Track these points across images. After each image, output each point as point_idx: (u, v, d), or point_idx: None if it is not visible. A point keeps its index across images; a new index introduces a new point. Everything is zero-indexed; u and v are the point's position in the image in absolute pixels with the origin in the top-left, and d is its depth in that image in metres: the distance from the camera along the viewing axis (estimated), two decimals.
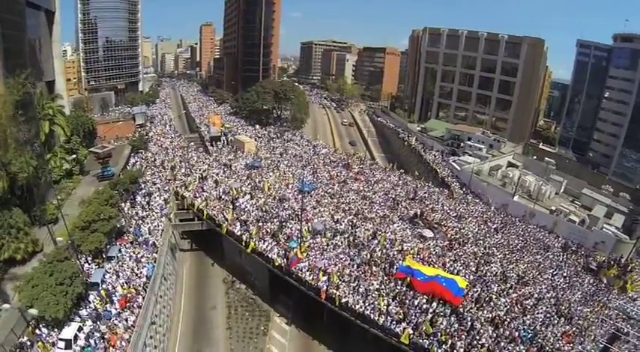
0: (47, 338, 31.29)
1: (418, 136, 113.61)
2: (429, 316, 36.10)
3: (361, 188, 68.20)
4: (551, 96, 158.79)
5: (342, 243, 47.68)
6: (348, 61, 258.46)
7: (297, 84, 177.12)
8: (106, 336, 32.44)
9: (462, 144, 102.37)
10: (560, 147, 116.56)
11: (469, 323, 35.71)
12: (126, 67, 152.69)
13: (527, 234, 59.15)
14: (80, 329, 32.43)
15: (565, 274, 48.51)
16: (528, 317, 37.86)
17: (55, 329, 32.06)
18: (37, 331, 31.44)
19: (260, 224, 50.30)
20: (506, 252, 51.84)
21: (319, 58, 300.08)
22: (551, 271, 48.76)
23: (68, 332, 31.53)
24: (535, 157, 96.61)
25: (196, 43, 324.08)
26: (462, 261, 47.05)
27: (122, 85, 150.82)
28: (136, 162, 74.55)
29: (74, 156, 63.91)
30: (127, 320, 34.73)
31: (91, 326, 33.16)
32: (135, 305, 36.67)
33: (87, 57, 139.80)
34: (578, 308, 41.31)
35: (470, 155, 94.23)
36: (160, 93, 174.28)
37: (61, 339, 30.93)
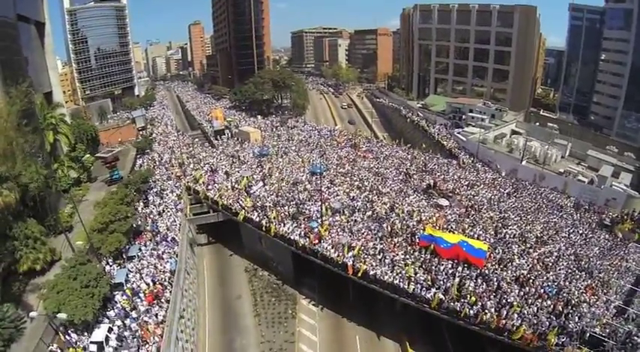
0: (78, 343, 30.97)
1: (420, 112, 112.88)
2: (457, 280, 35.97)
3: (372, 165, 67.98)
4: (547, 64, 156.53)
5: (361, 218, 47.40)
6: (340, 46, 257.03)
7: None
8: (137, 334, 32.29)
9: (463, 117, 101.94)
10: (560, 112, 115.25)
11: (495, 284, 35.82)
12: (120, 73, 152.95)
13: (539, 196, 59.37)
14: (110, 330, 32.27)
15: (581, 232, 48.75)
16: (551, 273, 38.06)
17: (85, 333, 31.82)
18: (67, 337, 31.07)
19: (278, 208, 49.92)
20: (522, 214, 51.92)
21: (311, 46, 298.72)
22: (567, 230, 48.96)
23: (99, 334, 31.27)
24: (537, 124, 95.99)
25: (186, 44, 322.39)
26: (480, 226, 46.98)
27: (118, 90, 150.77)
28: (143, 163, 74.32)
29: (81, 163, 63.58)
30: (156, 315, 34.59)
31: (121, 326, 33.03)
32: (163, 300, 36.54)
33: (80, 67, 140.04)
34: (597, 262, 41.53)
35: (473, 126, 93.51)
36: (156, 95, 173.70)
37: (92, 342, 30.64)
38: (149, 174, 61.16)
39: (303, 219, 47.50)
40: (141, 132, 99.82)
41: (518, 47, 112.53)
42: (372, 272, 37.55)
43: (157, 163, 74.08)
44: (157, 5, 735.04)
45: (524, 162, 71.98)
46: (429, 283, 36.06)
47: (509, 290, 34.97)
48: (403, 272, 37.20)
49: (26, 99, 46.84)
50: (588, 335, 30.09)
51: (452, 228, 45.81)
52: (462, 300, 33.86)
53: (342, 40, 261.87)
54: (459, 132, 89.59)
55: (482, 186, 60.87)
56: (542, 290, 35.10)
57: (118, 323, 33.33)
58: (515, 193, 59.44)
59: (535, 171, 67.36)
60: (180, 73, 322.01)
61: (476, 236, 43.63)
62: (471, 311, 32.75)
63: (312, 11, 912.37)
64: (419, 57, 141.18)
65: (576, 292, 35.22)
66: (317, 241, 42.82)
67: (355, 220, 46.95)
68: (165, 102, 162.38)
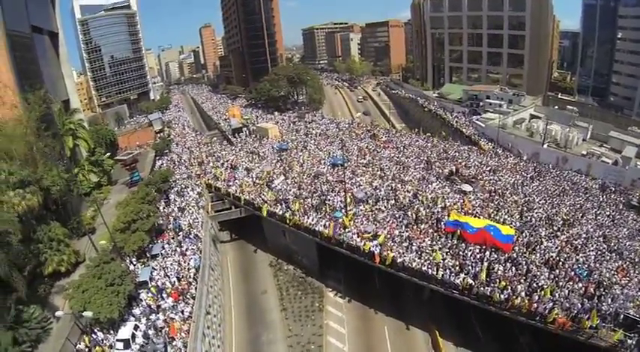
0: (104, 342, 31.01)
1: (437, 102, 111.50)
2: (485, 264, 35.03)
3: (392, 155, 67.08)
4: (562, 47, 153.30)
5: (385, 207, 46.64)
6: (352, 40, 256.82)
7: None
8: (164, 330, 32.09)
9: (481, 104, 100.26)
10: (579, 95, 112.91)
11: (525, 268, 34.84)
12: (134, 79, 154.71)
13: (563, 179, 58.27)
14: (136, 327, 32.13)
15: (608, 213, 47.63)
16: (581, 255, 36.93)
17: (111, 331, 31.81)
18: (93, 336, 31.11)
19: (301, 201, 49.39)
20: (546, 198, 50.74)
21: (323, 42, 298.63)
22: (594, 211, 47.86)
23: (125, 332, 31.19)
24: (556, 107, 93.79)
25: (198, 47, 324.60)
26: (505, 210, 45.87)
27: (134, 95, 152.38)
28: (163, 164, 74.66)
29: (101, 167, 64.07)
30: (182, 312, 34.34)
31: (147, 323, 32.85)
32: (188, 296, 36.29)
33: (95, 75, 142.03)
34: (627, 243, 40.45)
35: (491, 112, 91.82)
36: (172, 99, 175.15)
37: (118, 340, 30.57)
38: (169, 173, 61.33)
39: (327, 210, 46.93)
40: (158, 135, 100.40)
41: (532, 30, 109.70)
42: (399, 260, 36.82)
43: (177, 163, 74.24)
44: (167, 11, 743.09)
45: (545, 146, 70.55)
46: (458, 269, 35.21)
47: (539, 273, 34.00)
48: (431, 258, 36.38)
49: (44, 106, 47.50)
50: (622, 316, 29.13)
51: (477, 213, 44.79)
52: (492, 285, 32.94)
53: (354, 34, 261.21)
54: (477, 119, 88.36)
55: (504, 171, 59.75)
56: (572, 273, 34.01)
57: (144, 320, 33.16)
58: (538, 177, 58.21)
59: (557, 154, 66.16)
60: (194, 76, 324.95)
61: (501, 220, 42.62)
62: (502, 296, 31.82)
63: (322, 8, 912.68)
64: (432, 46, 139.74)
65: (607, 274, 34.18)
66: (339, 231, 42.11)
67: (379, 209, 46.20)
68: (181, 105, 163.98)
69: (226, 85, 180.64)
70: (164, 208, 53.77)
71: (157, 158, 79.82)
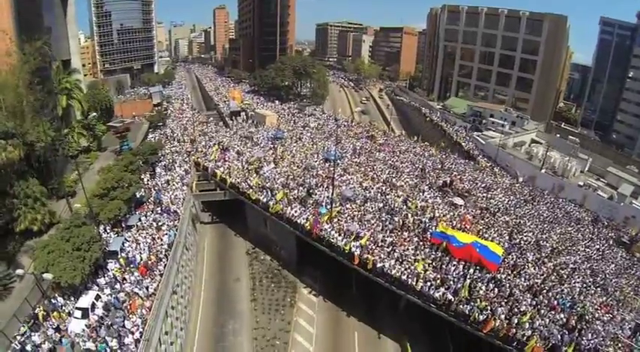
0: (63, 308, 29.88)
1: (440, 113, 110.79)
2: (467, 281, 33.82)
3: (387, 158, 65.81)
4: (571, 79, 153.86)
5: (372, 209, 45.38)
6: (364, 42, 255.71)
7: None
8: (125, 304, 30.76)
9: (483, 121, 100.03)
10: (582, 128, 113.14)
11: (508, 290, 33.74)
12: (141, 50, 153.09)
13: (556, 206, 57.33)
14: (98, 297, 30.90)
15: (597, 246, 46.81)
16: (565, 286, 35.93)
17: (72, 298, 30.67)
18: (53, 300, 30.01)
19: (286, 190, 48.06)
20: (538, 223, 49.82)
21: (335, 40, 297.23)
22: (584, 243, 46.99)
23: (85, 300, 30.09)
24: (558, 135, 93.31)
25: (210, 27, 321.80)
26: (495, 229, 44.84)
27: (138, 66, 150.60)
28: (155, 137, 73.27)
29: (92, 132, 62.63)
30: (147, 288, 32.90)
31: (110, 295, 31.57)
32: (156, 273, 34.88)
33: (102, 40, 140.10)
34: (614, 279, 39.76)
35: (493, 131, 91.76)
36: (176, 75, 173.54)
37: (77, 308, 29.48)
38: (159, 145, 60.03)
39: (312, 204, 45.68)
40: (156, 108, 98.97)
41: (545, 56, 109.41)
42: (379, 265, 35.55)
43: (169, 138, 73.06)
44: None
45: (543, 171, 70.19)
46: (439, 282, 34.00)
47: (521, 298, 32.89)
48: (412, 267, 35.13)
49: (40, 58, 46.05)
50: None
51: (466, 228, 43.57)
52: (472, 304, 31.74)
53: (367, 36, 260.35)
54: (478, 135, 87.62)
55: (499, 189, 58.79)
56: (555, 302, 33.02)
57: (107, 291, 31.90)
58: (532, 201, 57.30)
59: (554, 181, 65.69)
60: (202, 56, 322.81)
61: (490, 239, 41.49)
62: (481, 317, 30.67)
63: (340, 5, 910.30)
64: (443, 58, 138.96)
65: (591, 308, 33.25)
66: (317, 228, 40.68)
67: (367, 210, 44.95)
68: (184, 82, 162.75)
69: (232, 68, 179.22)
70: (148, 180, 52.54)
71: (151, 130, 78.45)
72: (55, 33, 66.63)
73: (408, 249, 37.78)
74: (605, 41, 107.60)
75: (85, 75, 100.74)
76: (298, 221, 42.53)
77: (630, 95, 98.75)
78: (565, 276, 37.64)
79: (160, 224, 42.11)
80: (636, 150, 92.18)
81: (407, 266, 35.46)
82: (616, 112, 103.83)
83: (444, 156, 71.38)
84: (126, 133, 64.14)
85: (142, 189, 48.10)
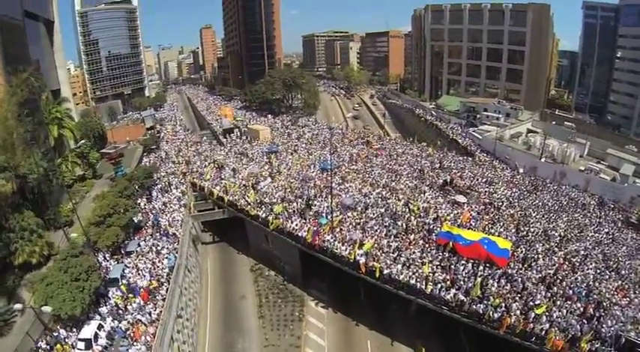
0: (66, 340, 29.03)
1: (433, 112, 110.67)
2: (479, 280, 32.88)
3: (385, 162, 65.28)
4: (560, 66, 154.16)
5: (374, 215, 44.64)
6: (351, 49, 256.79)
7: None
8: (128, 332, 29.96)
9: (478, 116, 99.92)
10: (576, 113, 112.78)
11: (520, 285, 32.90)
12: (130, 75, 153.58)
13: (560, 193, 57.01)
14: (100, 327, 30.10)
15: (606, 230, 46.28)
16: (579, 274, 35.22)
17: (74, 330, 29.89)
18: (54, 333, 29.21)
19: (285, 204, 47.39)
20: (544, 212, 49.27)
21: (322, 50, 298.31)
22: (592, 228, 46.50)
23: (87, 331, 29.36)
24: (554, 123, 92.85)
25: (197, 48, 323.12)
26: (501, 224, 44.16)
27: (128, 91, 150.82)
28: (150, 160, 72.84)
29: (86, 160, 62.16)
30: (150, 313, 32.12)
31: (112, 324, 30.77)
32: (158, 298, 34.11)
33: (90, 68, 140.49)
34: (627, 262, 38.96)
35: (488, 125, 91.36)
36: (167, 98, 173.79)
37: (80, 339, 28.72)
38: (153, 169, 59.51)
39: (312, 215, 44.98)
40: (149, 132, 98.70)
41: (532, 46, 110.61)
42: (386, 271, 34.74)
43: (163, 160, 72.56)
44: (169, 9, 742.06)
45: (542, 159, 69.87)
46: (449, 283, 33.21)
47: (535, 291, 32.01)
48: (420, 271, 34.34)
49: (27, 90, 45.96)
50: (624, 340, 27.23)
51: (471, 225, 42.95)
52: (485, 302, 30.90)
53: (354, 43, 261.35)
54: (474, 131, 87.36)
55: (500, 183, 58.30)
56: (570, 292, 32.17)
57: (109, 320, 31.08)
58: (535, 191, 56.92)
59: (555, 169, 65.11)
60: (192, 76, 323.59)
61: (497, 233, 40.90)
62: (495, 314, 29.81)
63: (324, 17, 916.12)
64: (431, 58, 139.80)
65: (607, 293, 32.50)
66: (317, 239, 39.97)
67: (368, 217, 44.22)
68: (176, 104, 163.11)
69: (223, 86, 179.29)
70: (145, 204, 51.88)
71: (145, 154, 78.00)
72: (43, 64, 66.68)
73: (414, 253, 37.09)
74: (590, 25, 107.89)
75: (76, 103, 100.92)
76: (299, 234, 41.81)
77: (621, 75, 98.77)
78: (577, 264, 37.02)
79: (159, 248, 41.42)
80: (633, 129, 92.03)
81: (415, 270, 34.72)
82: (608, 94, 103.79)
83: (441, 155, 71.05)
84: (120, 159, 63.43)
85: (140, 214, 47.56)
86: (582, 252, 39.41)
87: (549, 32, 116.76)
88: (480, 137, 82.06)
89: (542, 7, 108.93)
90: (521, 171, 65.81)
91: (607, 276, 35.54)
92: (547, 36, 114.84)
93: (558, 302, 30.95)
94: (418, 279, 33.59)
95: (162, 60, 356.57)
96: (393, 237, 40.10)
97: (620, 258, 39.39)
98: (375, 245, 38.19)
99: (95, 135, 72.89)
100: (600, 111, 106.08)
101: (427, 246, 38.48)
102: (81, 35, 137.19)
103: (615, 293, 32.87)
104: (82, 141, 60.57)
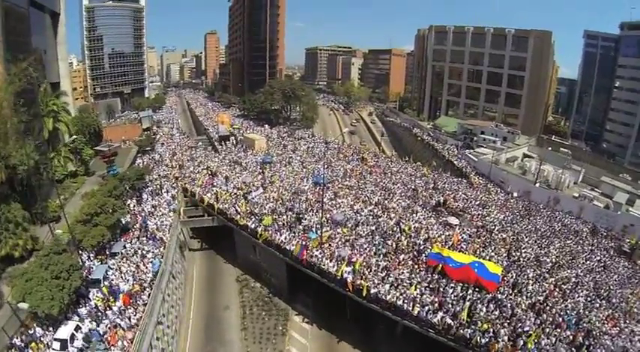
0: (42, 339, 28.26)
1: (431, 132, 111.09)
2: (467, 303, 32.46)
3: (379, 180, 64.93)
4: (559, 93, 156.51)
5: (364, 232, 44.15)
6: (353, 65, 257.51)
7: None
8: (105, 336, 29.17)
9: (474, 138, 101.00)
10: (572, 140, 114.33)
11: (510, 311, 32.33)
12: (132, 74, 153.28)
13: (553, 219, 57.11)
14: (78, 328, 29.28)
15: (599, 258, 46.32)
16: (569, 301, 34.90)
17: (51, 329, 29.09)
18: (31, 331, 28.43)
19: (275, 216, 46.81)
20: (536, 238, 49.12)
21: (325, 63, 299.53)
22: (584, 255, 46.42)
23: (64, 331, 28.52)
24: (550, 148, 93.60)
25: (201, 53, 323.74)
26: (492, 247, 43.81)
27: (128, 90, 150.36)
28: (143, 162, 72.19)
29: (79, 156, 61.50)
30: (130, 318, 31.38)
31: (90, 326, 29.97)
32: (139, 303, 33.37)
33: (93, 64, 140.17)
34: (618, 290, 39.01)
35: (484, 148, 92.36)
36: (166, 100, 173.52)
37: (56, 339, 27.90)
38: (145, 170, 58.90)
39: (302, 229, 44.41)
40: (146, 133, 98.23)
41: (532, 72, 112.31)
42: (373, 291, 34.18)
43: (157, 163, 71.95)
44: (176, 11, 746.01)
45: (537, 185, 70.28)
46: (437, 306, 32.64)
47: (524, 317, 31.52)
48: (408, 292, 33.78)
49: (25, 80, 45.26)
50: None
51: (462, 247, 42.55)
52: (473, 327, 30.35)
53: (356, 59, 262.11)
54: (469, 153, 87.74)
55: (494, 206, 58.26)
56: (560, 319, 31.77)
57: (87, 322, 30.29)
58: (528, 216, 56.96)
59: (549, 194, 65.64)
60: (193, 81, 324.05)
61: (488, 257, 40.54)
62: (483, 340, 29.26)
63: (328, 31, 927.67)
64: (432, 78, 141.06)
65: (597, 322, 32.23)
66: (305, 254, 39.40)
67: (358, 234, 43.73)
68: (175, 107, 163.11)
69: (222, 93, 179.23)
70: (135, 206, 51.16)
71: (139, 155, 77.31)
72: (45, 55, 65.97)
73: (403, 273, 36.49)
74: (590, 54, 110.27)
75: (75, 98, 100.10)
76: (288, 247, 41.22)
77: (618, 104, 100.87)
78: (568, 291, 36.73)
79: (145, 251, 40.76)
80: (627, 158, 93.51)
81: (402, 290, 34.15)
82: (605, 122, 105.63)
83: (436, 176, 70.93)
84: (113, 158, 62.83)
85: (128, 215, 47.00)
86: (573, 279, 39.22)
87: (550, 59, 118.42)
88: (476, 159, 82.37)
89: (543, 33, 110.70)
90: (515, 195, 65.94)
91: (597, 305, 35.30)
92: (547, 62, 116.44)
93: (547, 330, 30.37)
94: (405, 300, 33.02)
95: (165, 62, 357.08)
96: (382, 255, 39.54)
97: (611, 287, 39.41)
98: (364, 263, 37.62)
99: (91, 131, 72.21)
100: (596, 139, 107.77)
101: (416, 266, 37.91)
102: (86, 30, 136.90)
103: (605, 322, 32.72)
104: (74, 137, 59.72)
